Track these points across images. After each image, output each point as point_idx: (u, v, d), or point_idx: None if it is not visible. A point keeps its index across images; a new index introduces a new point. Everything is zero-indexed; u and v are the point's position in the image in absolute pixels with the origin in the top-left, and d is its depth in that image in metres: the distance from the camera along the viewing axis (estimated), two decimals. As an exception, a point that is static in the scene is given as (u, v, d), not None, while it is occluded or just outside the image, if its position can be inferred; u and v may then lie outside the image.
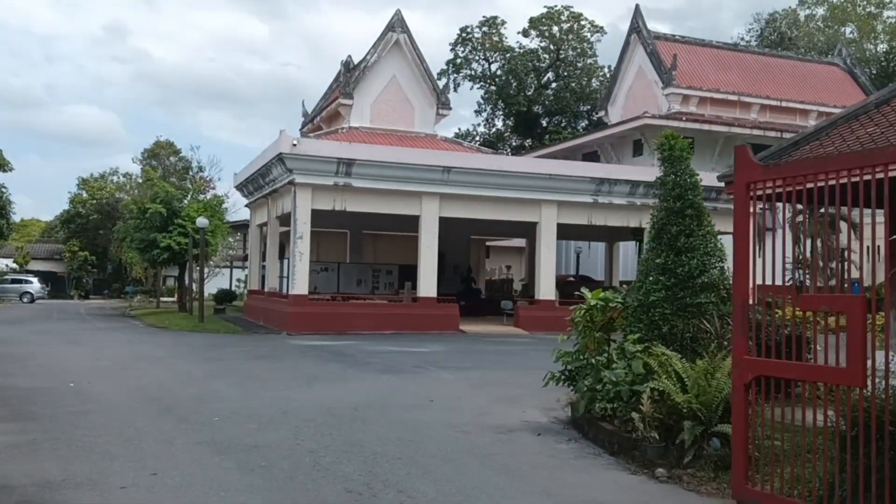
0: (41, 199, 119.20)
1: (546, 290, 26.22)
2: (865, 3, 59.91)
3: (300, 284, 23.20)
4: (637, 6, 41.76)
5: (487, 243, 41.77)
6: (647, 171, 29.70)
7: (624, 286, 10.76)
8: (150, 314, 32.66)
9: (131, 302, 44.63)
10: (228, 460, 6.71)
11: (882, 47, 56.97)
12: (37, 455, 6.85)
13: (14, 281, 50.93)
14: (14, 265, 57.60)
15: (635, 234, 31.31)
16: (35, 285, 50.94)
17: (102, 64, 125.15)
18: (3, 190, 44.77)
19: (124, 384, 11.46)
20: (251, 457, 6.83)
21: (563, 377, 8.77)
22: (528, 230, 33.13)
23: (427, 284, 24.67)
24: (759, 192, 5.46)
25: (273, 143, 24.04)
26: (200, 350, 17.02)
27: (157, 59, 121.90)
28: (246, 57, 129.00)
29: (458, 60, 56.61)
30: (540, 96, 56.49)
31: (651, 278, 7.96)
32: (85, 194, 60.26)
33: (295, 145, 22.85)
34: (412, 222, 26.17)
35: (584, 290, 8.64)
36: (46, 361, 14.41)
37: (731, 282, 7.97)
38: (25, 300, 48.33)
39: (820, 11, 62.24)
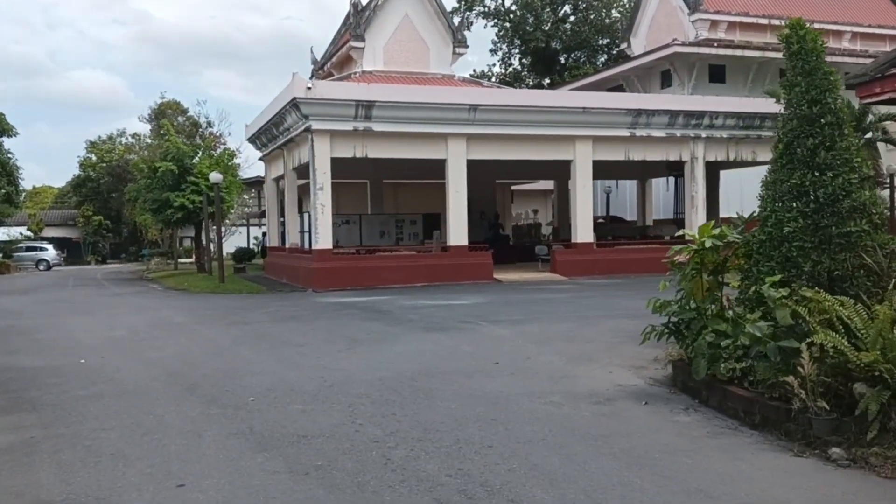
0: (53, 166, 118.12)
1: (583, 232, 24.60)
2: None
3: (323, 238, 21.70)
4: (659, -73, 39.12)
5: (513, 187, 40.05)
6: (687, 99, 27.77)
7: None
8: (168, 276, 31.44)
9: (148, 265, 43.48)
10: (274, 459, 5.27)
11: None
12: (32, 462, 5.44)
13: (29, 248, 49.89)
14: (28, 233, 56.54)
15: (672, 168, 29.49)
16: (51, 252, 49.91)
17: (104, 27, 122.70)
18: (10, 156, 43.35)
19: (141, 358, 10.08)
20: (302, 452, 5.40)
21: (667, 331, 7.24)
22: (558, 171, 31.35)
23: (457, 232, 23.11)
24: None
25: (286, 89, 22.31)
26: (224, 313, 15.64)
27: (158, 19, 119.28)
28: (246, 13, 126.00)
29: (471, -3, 53.94)
30: (557, 31, 53.89)
31: (782, 204, 6.33)
32: (94, 157, 58.79)
33: (310, 89, 21.10)
34: (435, 168, 24.49)
35: (688, 232, 7.03)
36: (57, 334, 13.08)
37: (884, 206, 6.36)
38: (42, 268, 47.36)
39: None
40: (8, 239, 51.78)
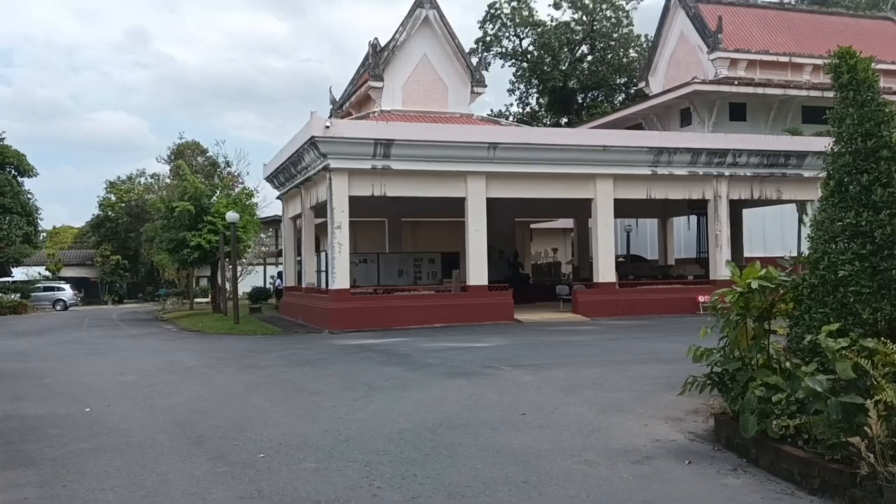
0: (74, 206, 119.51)
1: (605, 271, 24.07)
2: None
3: (341, 278, 21.33)
4: (676, -32, 39.16)
5: (532, 225, 39.65)
6: (709, 137, 27.38)
7: (773, 261, 8.46)
8: (183, 317, 31.17)
9: (164, 305, 43.30)
10: (284, 528, 4.78)
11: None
12: (21, 529, 4.98)
13: (46, 289, 49.93)
14: (47, 273, 56.71)
15: (693, 206, 29.00)
16: (68, 292, 49.96)
17: (126, 70, 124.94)
18: (30, 196, 43.64)
19: (149, 405, 9.63)
20: (315, 520, 4.90)
21: (709, 383, 6.70)
22: (577, 209, 30.99)
23: (477, 271, 22.67)
24: None
25: (304, 127, 22.16)
26: (237, 356, 15.22)
27: (179, 62, 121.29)
28: (266, 55, 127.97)
29: (488, 38, 54.30)
30: (575, 70, 54.00)
31: (835, 245, 5.84)
32: (113, 197, 59.13)
33: (328, 127, 20.93)
34: (454, 206, 24.20)
35: (730, 266, 6.55)
36: (66, 378, 12.69)
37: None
38: (59, 308, 47.35)
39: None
40: (26, 279, 51.88)
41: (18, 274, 51.51)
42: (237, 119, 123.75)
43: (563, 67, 53.71)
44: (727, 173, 25.16)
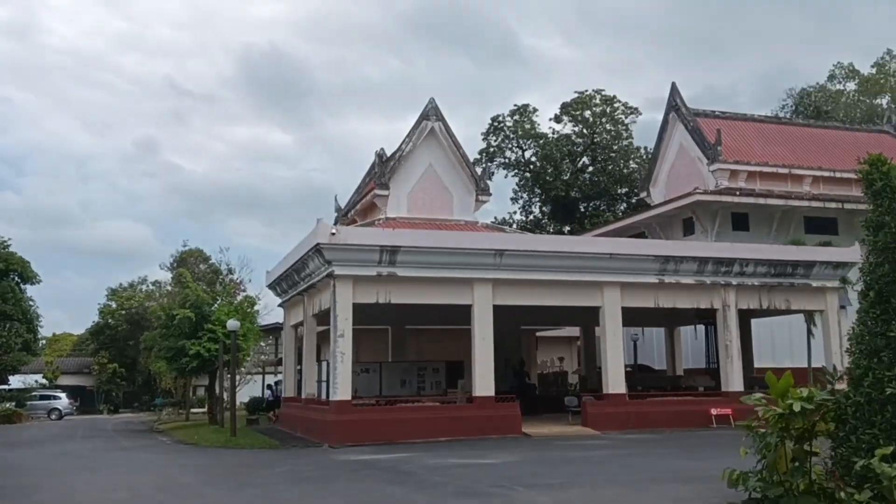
0: (76, 313, 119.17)
1: (615, 382, 23.42)
2: (897, 74, 58.76)
3: (343, 388, 20.69)
4: (673, 84, 40.36)
5: (538, 334, 39.10)
6: (716, 246, 27.28)
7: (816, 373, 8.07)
8: (178, 428, 30.22)
9: (160, 415, 42.22)
10: None
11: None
12: None
13: (42, 397, 48.92)
14: (44, 381, 55.71)
15: (701, 315, 28.59)
16: (63, 401, 48.92)
17: (134, 179, 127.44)
18: (31, 303, 43.39)
19: (138, 529, 8.97)
20: None
21: (749, 511, 6.16)
22: (584, 317, 30.58)
23: (483, 382, 22.02)
24: None
25: (309, 235, 22.09)
26: (234, 473, 14.48)
27: (187, 171, 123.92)
28: (272, 165, 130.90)
29: (492, 149, 55.48)
30: (577, 180, 54.87)
31: (879, 360, 5.45)
32: (114, 304, 58.81)
33: (334, 234, 20.84)
34: (458, 314, 23.83)
35: (771, 378, 6.13)
36: (53, 496, 11.98)
37: None
38: (54, 417, 46.23)
39: (851, 86, 61.08)
40: (23, 387, 50.90)
41: (15, 382, 50.57)
42: (241, 226, 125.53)
43: (565, 177, 54.59)
44: (735, 282, 24.91)
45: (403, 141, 33.17)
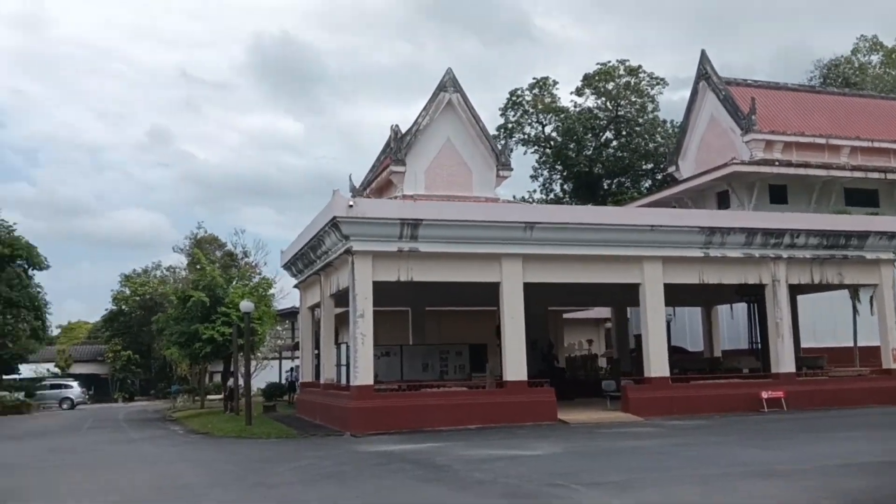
0: (91, 301, 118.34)
1: (657, 365, 21.65)
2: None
3: (363, 373, 19.06)
4: (703, 52, 38.21)
5: (564, 315, 37.37)
6: (764, 216, 25.30)
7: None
8: (192, 416, 28.81)
9: (175, 403, 40.90)
10: None
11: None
12: None
13: (53, 386, 47.68)
14: (56, 369, 54.60)
15: (742, 292, 26.66)
16: (75, 390, 47.66)
17: (148, 169, 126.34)
18: (39, 290, 42.04)
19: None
20: None
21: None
22: (616, 297, 28.86)
23: (514, 365, 20.31)
24: None
25: (325, 208, 20.41)
26: (245, 469, 12.89)
27: (199, 160, 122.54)
28: (283, 153, 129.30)
29: (510, 125, 53.50)
30: (600, 156, 52.81)
31: None
32: (128, 291, 57.56)
33: (351, 206, 19.14)
34: (482, 294, 22.17)
35: None
36: (34, 501, 10.41)
37: None
38: (65, 406, 45.06)
39: (875, 58, 58.90)
40: (34, 376, 49.75)
41: (26, 371, 49.43)
42: (254, 214, 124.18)
43: (588, 153, 52.59)
44: (785, 255, 23.01)
45: (419, 114, 31.37)
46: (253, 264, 40.23)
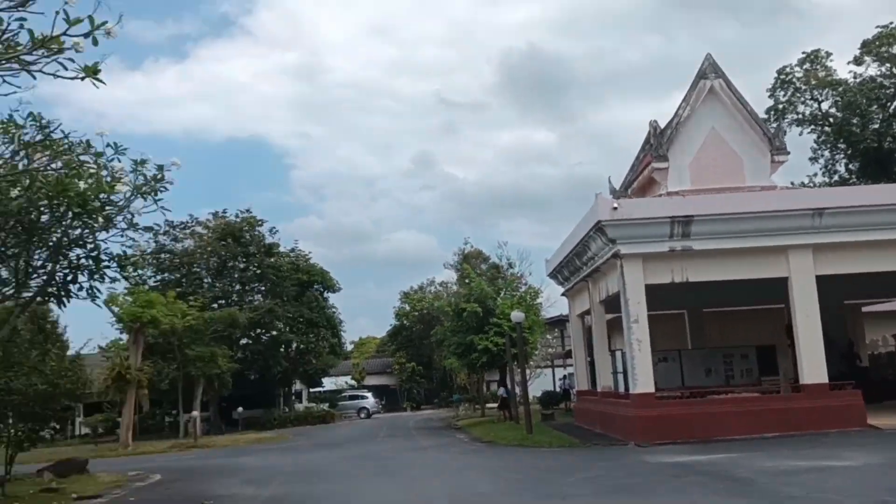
0: (377, 318, 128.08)
1: None
2: None
3: (643, 380, 18.41)
4: None
5: (863, 308, 33.36)
6: None
7: None
8: (475, 425, 29.94)
9: (457, 411, 42.93)
10: None
11: None
12: None
13: (352, 397, 52.36)
14: (352, 382, 60.03)
15: None
16: (370, 400, 51.83)
17: (414, 193, 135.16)
18: (334, 310, 46.54)
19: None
20: None
21: None
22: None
23: (812, 367, 18.42)
24: None
25: (588, 213, 20.16)
26: (535, 479, 12.97)
27: (459, 179, 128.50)
28: (538, 164, 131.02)
29: (780, 105, 49.15)
30: (890, 129, 46.60)
31: None
32: (407, 307, 61.70)
33: (616, 209, 18.69)
34: (766, 291, 20.33)
35: None
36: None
37: None
38: (363, 416, 49.09)
39: None
40: (334, 388, 55.13)
41: (328, 384, 54.97)
42: (511, 227, 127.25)
43: (875, 126, 46.65)
44: None
45: (679, 106, 29.78)
46: (518, 275, 41.05)
